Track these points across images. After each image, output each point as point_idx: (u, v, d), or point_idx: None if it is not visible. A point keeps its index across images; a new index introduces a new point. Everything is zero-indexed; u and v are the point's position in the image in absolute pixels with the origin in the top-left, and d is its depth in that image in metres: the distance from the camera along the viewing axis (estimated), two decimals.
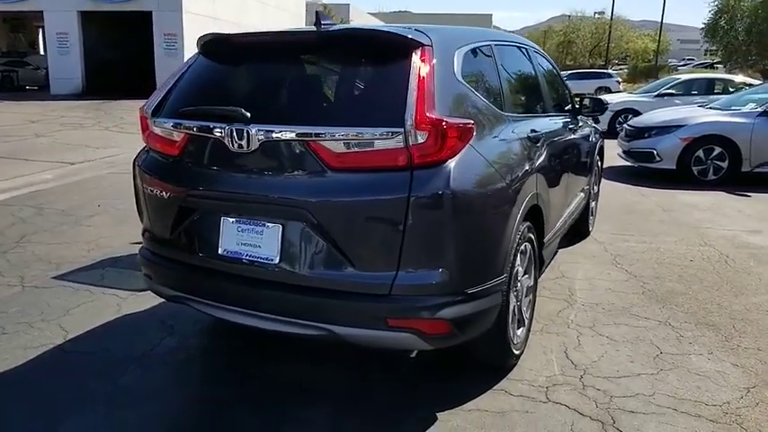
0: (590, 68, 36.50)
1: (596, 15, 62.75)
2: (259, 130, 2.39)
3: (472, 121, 2.48)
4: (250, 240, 2.50)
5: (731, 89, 13.55)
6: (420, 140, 2.25)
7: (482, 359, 2.94)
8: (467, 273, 2.40)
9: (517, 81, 3.56)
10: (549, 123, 3.73)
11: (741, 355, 3.23)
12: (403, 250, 2.28)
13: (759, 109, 7.96)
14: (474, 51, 2.88)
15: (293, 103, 2.66)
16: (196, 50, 2.96)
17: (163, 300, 2.99)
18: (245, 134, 2.41)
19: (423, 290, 2.32)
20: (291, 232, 2.43)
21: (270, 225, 2.47)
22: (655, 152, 8.10)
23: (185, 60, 2.99)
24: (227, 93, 2.78)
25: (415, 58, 2.40)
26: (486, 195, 2.52)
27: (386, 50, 2.49)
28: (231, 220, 2.56)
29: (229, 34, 2.81)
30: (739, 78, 15.29)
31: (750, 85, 13.80)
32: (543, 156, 3.25)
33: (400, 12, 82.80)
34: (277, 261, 2.44)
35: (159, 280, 2.85)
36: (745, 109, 8.22)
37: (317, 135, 2.33)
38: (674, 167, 8.02)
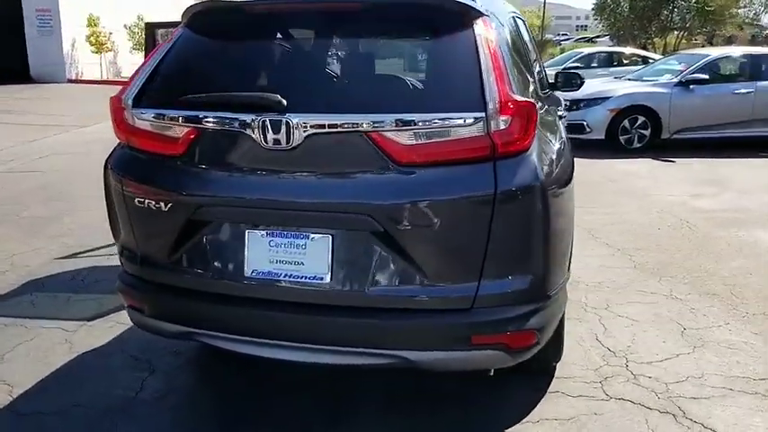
0: None
1: None
2: (303, 120, 1.90)
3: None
4: (288, 257, 2.01)
5: (625, 61, 14.45)
6: (502, 126, 1.88)
7: (537, 364, 2.55)
8: (552, 274, 2.08)
9: (528, 56, 3.28)
10: (557, 101, 3.51)
11: (754, 322, 3.25)
12: (487, 255, 1.92)
13: (675, 79, 8.44)
14: (512, 21, 2.54)
15: (337, 86, 2.16)
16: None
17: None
18: (282, 126, 1.90)
19: (509, 299, 1.98)
20: (345, 243, 1.98)
21: (315, 236, 1.99)
22: (585, 123, 8.32)
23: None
24: (240, 76, 2.20)
25: (479, 29, 2.00)
26: (563, 184, 2.20)
27: (443, 20, 2.05)
28: (260, 233, 2.04)
29: (234, 3, 2.21)
30: (629, 51, 16.33)
31: (640, 56, 14.79)
32: (564, 137, 3.01)
33: None
34: (328, 279, 1.97)
35: (156, 313, 2.26)
36: (663, 80, 8.68)
37: (381, 124, 1.88)
38: (603, 137, 8.31)
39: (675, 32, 31.03)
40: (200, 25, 2.27)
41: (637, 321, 3.25)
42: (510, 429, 2.34)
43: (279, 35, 2.29)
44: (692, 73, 8.40)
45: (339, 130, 1.92)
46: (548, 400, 2.53)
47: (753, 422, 2.38)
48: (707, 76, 8.36)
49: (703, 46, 26.29)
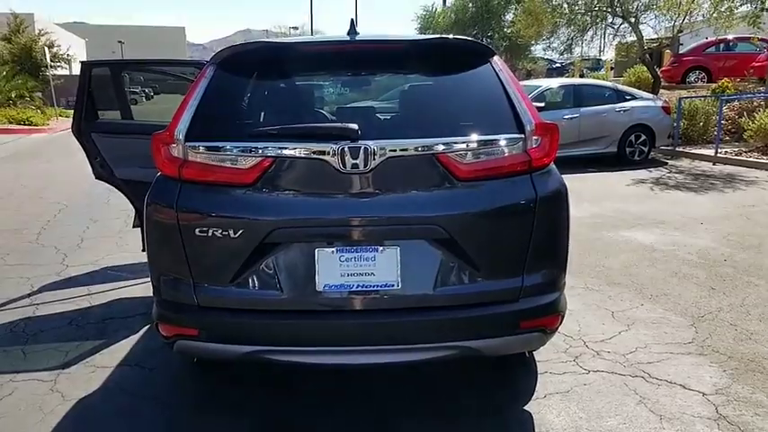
0: None
1: (291, 30, 64.40)
2: (380, 146, 2.13)
3: None
4: (359, 269, 2.19)
5: None
6: (535, 144, 2.30)
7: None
8: (566, 264, 2.52)
9: None
10: None
11: (660, 301, 4.05)
12: (529, 252, 2.30)
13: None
14: None
15: (396, 116, 2.39)
16: None
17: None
18: (361, 152, 2.11)
19: (544, 288, 2.37)
20: (411, 252, 2.22)
21: (384, 249, 2.21)
22: None
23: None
24: (299, 109, 2.35)
25: (497, 64, 2.43)
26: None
27: (472, 57, 2.44)
28: (330, 250, 2.20)
29: (283, 42, 2.36)
30: None
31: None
32: None
33: (76, 23, 74.06)
34: (399, 286, 2.20)
35: (219, 337, 2.27)
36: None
37: (446, 146, 2.19)
38: None
39: None
40: (244, 63, 2.40)
41: (573, 310, 3.83)
42: (527, 406, 2.73)
43: (325, 72, 2.50)
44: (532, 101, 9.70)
45: (411, 153, 2.19)
46: (543, 379, 2.97)
47: (698, 373, 3.05)
48: (543, 104, 9.61)
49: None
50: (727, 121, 11.74)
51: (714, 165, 10.16)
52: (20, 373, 3.00)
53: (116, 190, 4.14)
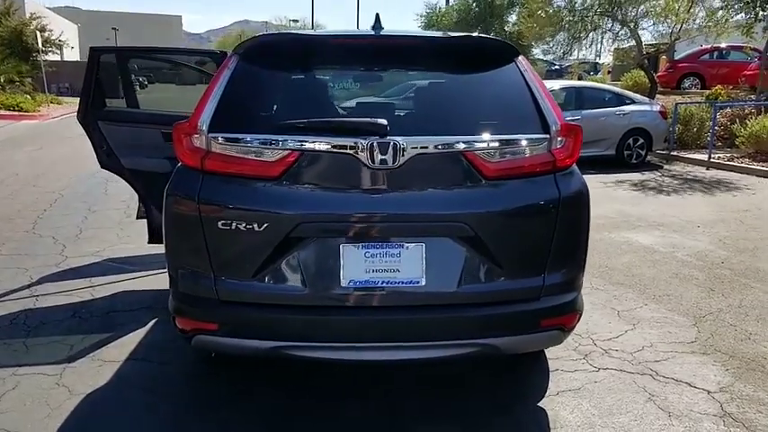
0: None
1: (291, 22, 63.95)
2: (410, 142, 2.12)
3: None
4: (384, 265, 2.18)
5: None
6: (559, 145, 2.31)
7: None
8: (585, 264, 2.53)
9: None
10: None
11: (663, 302, 4.09)
12: (551, 251, 2.31)
13: None
14: None
15: (425, 112, 2.38)
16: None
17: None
18: (390, 148, 2.10)
19: (564, 287, 2.38)
20: (436, 249, 2.21)
21: (410, 245, 2.20)
22: None
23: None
24: (321, 101, 2.33)
25: (522, 63, 2.44)
26: None
27: (496, 56, 2.44)
28: (355, 245, 2.19)
29: (312, 35, 2.34)
30: None
31: None
32: None
33: (69, 7, 72.97)
34: (423, 283, 2.19)
35: (238, 332, 2.24)
36: None
37: (474, 144, 2.18)
38: None
39: None
40: (268, 54, 2.38)
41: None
42: (541, 402, 2.74)
43: (360, 67, 2.47)
44: None
45: (439, 150, 2.18)
46: (555, 377, 2.98)
47: (703, 372, 3.08)
48: None
49: None
50: (719, 127, 11.87)
51: (707, 170, 10.27)
52: (23, 367, 2.92)
53: (114, 180, 4.08)
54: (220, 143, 2.18)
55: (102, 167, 4.03)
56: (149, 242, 4.13)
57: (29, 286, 4.11)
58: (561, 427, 2.55)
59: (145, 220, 4.34)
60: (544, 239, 2.30)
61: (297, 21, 56.93)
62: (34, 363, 2.97)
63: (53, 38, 25.96)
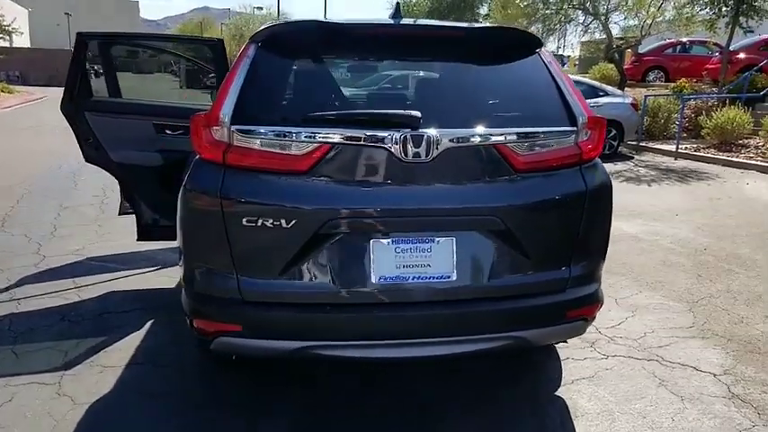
0: None
1: (255, 10, 62.26)
2: (443, 135, 2.07)
3: None
4: (415, 261, 2.13)
5: None
6: (585, 137, 2.29)
7: None
8: (606, 254, 2.52)
9: None
10: None
11: (657, 289, 4.17)
12: (576, 243, 2.30)
13: None
14: None
15: (455, 104, 2.30)
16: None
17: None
18: (423, 141, 2.04)
19: (587, 279, 2.38)
20: (467, 243, 2.17)
21: (440, 240, 2.15)
22: None
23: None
24: (346, 93, 2.24)
25: (546, 55, 2.41)
26: None
27: (520, 47, 2.41)
28: (385, 241, 2.12)
29: (339, 23, 2.24)
30: None
31: None
32: None
33: None
34: (454, 277, 2.15)
35: (265, 333, 2.15)
36: None
37: (506, 137, 2.15)
38: None
39: None
40: (289, 42, 2.28)
41: None
42: (558, 391, 2.75)
43: (383, 57, 2.39)
44: None
45: (472, 143, 2.14)
46: (567, 366, 3.00)
47: (705, 355, 3.15)
48: None
49: None
50: (684, 119, 12.24)
51: (676, 160, 10.58)
52: (16, 377, 2.74)
53: (81, 173, 3.87)
54: (244, 136, 2.08)
55: (86, 161, 3.84)
56: (138, 239, 3.96)
57: (7, 289, 3.89)
58: (582, 416, 2.56)
59: (126, 217, 4.17)
60: (571, 231, 2.29)
61: (261, 8, 55.68)
62: (28, 371, 2.78)
63: (4, 23, 24.65)
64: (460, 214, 2.16)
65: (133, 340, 3.15)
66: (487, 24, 2.70)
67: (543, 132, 2.23)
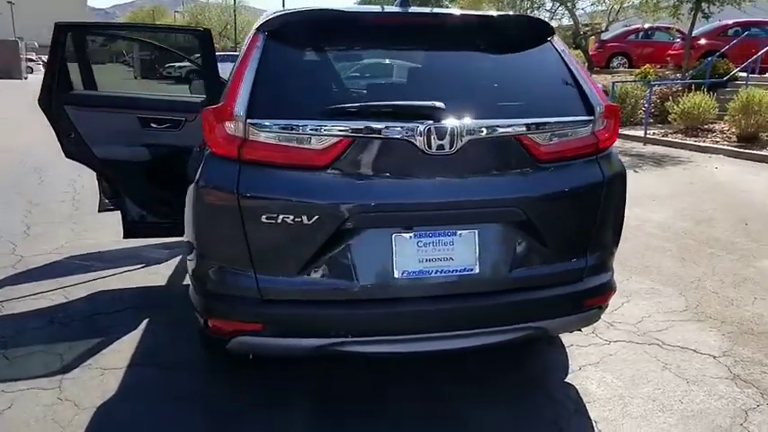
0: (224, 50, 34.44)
1: None
2: (467, 126, 2.03)
3: None
4: (437, 254, 2.10)
5: None
6: (601, 127, 2.29)
7: None
8: (619, 242, 2.54)
9: None
10: None
11: (646, 273, 4.26)
12: (592, 233, 2.31)
13: None
14: None
15: (475, 95, 2.25)
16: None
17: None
18: (447, 133, 2.00)
19: (601, 267, 2.39)
20: (489, 235, 2.16)
21: (463, 232, 2.12)
22: None
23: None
24: (364, 84, 2.17)
25: (558, 43, 2.39)
26: None
27: (532, 35, 2.38)
28: (407, 235, 2.08)
29: (351, 12, 2.16)
30: None
31: None
32: None
33: None
34: (477, 270, 2.13)
35: (286, 332, 2.10)
36: None
37: (528, 128, 2.13)
38: None
39: None
40: (300, 31, 2.20)
41: None
42: (567, 378, 2.79)
43: (397, 46, 2.34)
44: None
45: (495, 134, 2.11)
46: (572, 353, 3.03)
47: (702, 338, 3.24)
48: None
49: None
50: (650, 104, 12.54)
51: (645, 145, 10.83)
52: (11, 382, 2.61)
53: (46, 168, 3.69)
54: (261, 130, 2.00)
55: (67, 157, 3.66)
56: (125, 237, 3.82)
57: None
58: (595, 401, 2.60)
59: (103, 214, 4.01)
60: (588, 221, 2.30)
61: None
62: (24, 377, 2.66)
63: None
64: (483, 206, 2.14)
65: (130, 340, 3.05)
66: (499, 12, 2.63)
67: (563, 122, 2.22)
